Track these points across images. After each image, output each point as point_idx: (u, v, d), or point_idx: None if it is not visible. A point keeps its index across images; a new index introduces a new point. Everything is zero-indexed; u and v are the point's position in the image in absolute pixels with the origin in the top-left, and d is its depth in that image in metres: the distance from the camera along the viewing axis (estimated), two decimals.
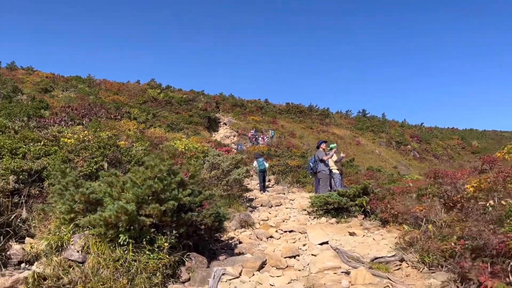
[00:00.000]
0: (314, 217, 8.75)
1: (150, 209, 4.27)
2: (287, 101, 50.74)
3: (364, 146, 39.26)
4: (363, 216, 8.03)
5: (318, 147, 10.28)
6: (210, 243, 6.02)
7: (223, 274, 4.51)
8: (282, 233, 7.61)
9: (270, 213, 9.83)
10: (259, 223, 8.52)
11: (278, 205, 11.36)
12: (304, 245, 6.46)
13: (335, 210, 8.34)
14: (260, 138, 24.56)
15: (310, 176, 13.63)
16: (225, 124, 34.57)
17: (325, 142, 10.51)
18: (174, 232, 4.50)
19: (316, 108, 49.99)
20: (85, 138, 8.38)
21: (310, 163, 10.10)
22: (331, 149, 10.24)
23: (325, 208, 8.45)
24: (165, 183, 4.39)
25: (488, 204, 3.81)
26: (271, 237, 7.27)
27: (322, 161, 9.84)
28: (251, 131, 27.41)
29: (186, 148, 10.71)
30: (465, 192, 4.45)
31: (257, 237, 7.17)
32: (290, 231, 7.64)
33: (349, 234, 7.02)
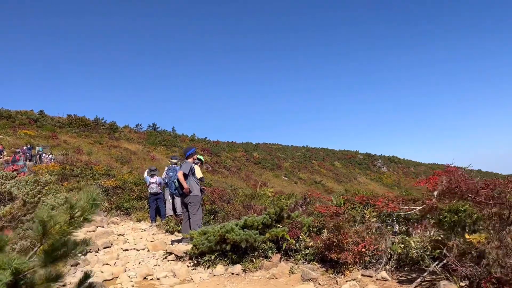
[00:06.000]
0: (195, 264, 5.54)
1: None
2: (69, 113, 43.41)
3: (159, 161, 37.06)
4: (279, 255, 5.39)
5: (187, 157, 6.94)
6: None
7: None
8: None
9: (110, 265, 6.00)
10: None
11: (108, 247, 7.52)
12: None
13: (234, 251, 5.41)
14: (44, 155, 18.79)
15: (146, 200, 10.07)
16: None
17: (195, 150, 7.15)
18: None
19: (102, 122, 44.83)
20: None
21: (175, 181, 6.64)
22: (200, 161, 7.19)
23: (219, 248, 5.41)
24: None
25: None
26: None
27: (188, 177, 6.64)
28: (22, 147, 21.39)
29: None
30: None
31: None
32: None
33: None
